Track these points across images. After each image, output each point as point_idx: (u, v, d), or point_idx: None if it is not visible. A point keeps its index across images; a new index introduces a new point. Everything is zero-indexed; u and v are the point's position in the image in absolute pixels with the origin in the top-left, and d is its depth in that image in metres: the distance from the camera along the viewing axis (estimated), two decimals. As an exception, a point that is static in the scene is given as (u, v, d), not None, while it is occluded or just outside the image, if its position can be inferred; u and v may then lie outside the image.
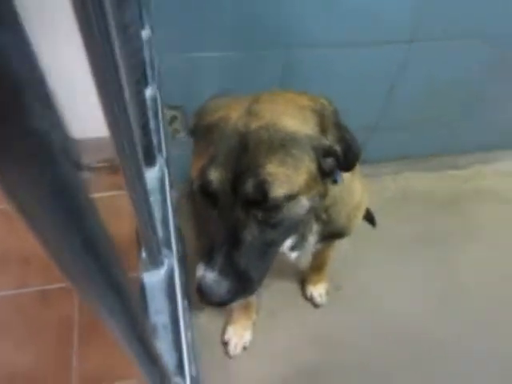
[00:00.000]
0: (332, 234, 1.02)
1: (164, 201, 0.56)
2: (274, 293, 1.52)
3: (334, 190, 0.86)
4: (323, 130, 0.72)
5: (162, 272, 0.51)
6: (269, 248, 0.74)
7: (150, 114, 0.61)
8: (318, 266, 1.47)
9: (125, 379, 1.23)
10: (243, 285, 0.70)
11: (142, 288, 0.50)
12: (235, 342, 1.39)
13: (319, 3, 1.20)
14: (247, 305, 1.40)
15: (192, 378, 0.46)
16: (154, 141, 0.59)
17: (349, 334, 1.46)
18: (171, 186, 0.58)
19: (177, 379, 0.45)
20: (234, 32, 1.23)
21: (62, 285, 1.35)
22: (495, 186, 1.92)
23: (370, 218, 1.71)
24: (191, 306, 1.39)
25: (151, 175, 0.58)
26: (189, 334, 0.57)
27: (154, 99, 0.64)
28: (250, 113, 0.69)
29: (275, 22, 1.22)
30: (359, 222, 1.12)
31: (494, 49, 1.48)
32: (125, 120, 0.42)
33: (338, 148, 0.73)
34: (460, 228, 1.78)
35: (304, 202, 0.73)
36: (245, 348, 1.40)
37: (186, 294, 0.83)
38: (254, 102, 0.71)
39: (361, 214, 1.10)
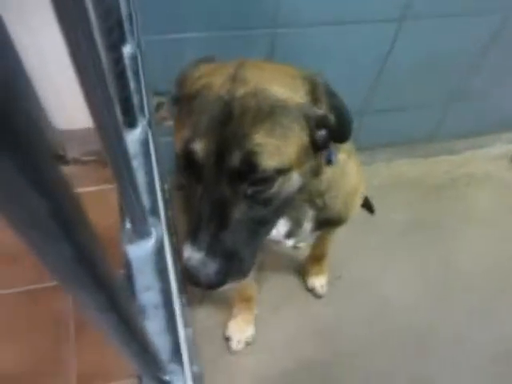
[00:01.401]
0: (328, 220, 0.94)
1: (149, 164, 0.47)
2: (274, 286, 1.44)
3: (328, 173, 0.79)
4: (315, 99, 0.64)
5: (149, 244, 0.42)
6: (259, 227, 0.65)
7: (129, 73, 0.52)
8: (317, 257, 1.39)
9: (124, 378, 1.12)
10: (233, 265, 0.62)
11: (127, 263, 0.41)
12: (238, 338, 1.29)
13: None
14: (248, 298, 1.31)
15: (192, 369, 0.36)
16: (135, 101, 0.50)
17: (350, 324, 1.38)
18: (156, 149, 0.49)
19: (172, 366, 0.36)
20: (220, 11, 1.14)
21: (54, 283, 1.24)
22: (488, 170, 1.86)
23: (368, 205, 1.63)
24: (189, 301, 1.29)
25: (133, 137, 0.49)
26: (188, 325, 0.48)
27: (134, 58, 0.55)
28: (235, 79, 0.61)
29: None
30: (357, 209, 1.04)
31: (486, 27, 1.41)
32: (99, 76, 0.33)
33: (331, 117, 0.65)
34: (455, 213, 1.71)
35: (295, 178, 0.65)
36: (247, 343, 1.30)
37: (183, 285, 0.74)
38: (239, 68, 0.63)
39: (358, 200, 1.02)
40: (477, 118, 1.79)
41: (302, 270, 1.47)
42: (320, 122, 0.65)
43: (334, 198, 0.87)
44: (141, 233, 0.42)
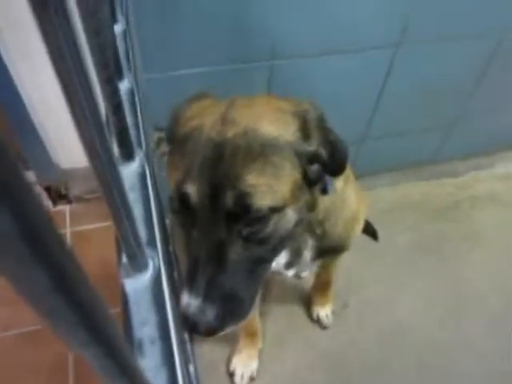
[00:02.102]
0: (329, 248, 0.93)
1: (146, 197, 0.47)
2: (279, 318, 1.41)
3: (326, 202, 0.78)
4: (306, 135, 0.64)
5: (146, 276, 0.42)
6: (257, 266, 0.65)
7: (127, 107, 0.53)
8: (322, 286, 1.37)
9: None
10: (233, 309, 0.61)
11: (124, 297, 0.40)
12: (241, 373, 1.26)
13: (303, 13, 1.15)
14: (252, 332, 1.29)
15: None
16: (132, 134, 0.51)
17: (359, 353, 1.35)
18: (154, 182, 0.49)
19: (169, 404, 0.35)
20: (217, 46, 1.17)
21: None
22: (492, 191, 1.85)
23: (371, 231, 1.61)
24: (192, 335, 1.27)
25: (130, 170, 0.49)
26: (189, 363, 0.47)
27: (132, 92, 0.56)
28: (225, 119, 0.61)
29: (259, 33, 1.17)
30: (357, 234, 1.03)
31: (483, 49, 1.44)
32: (91, 109, 0.34)
33: (323, 152, 0.65)
34: (460, 235, 1.70)
35: (291, 215, 0.64)
36: (252, 378, 1.27)
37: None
38: (229, 108, 0.63)
39: (359, 225, 1.01)
40: (478, 139, 1.80)
41: (306, 300, 1.45)
42: (312, 158, 0.64)
43: (333, 225, 0.86)
44: (137, 265, 0.41)
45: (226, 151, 0.58)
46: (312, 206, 0.72)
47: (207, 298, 0.58)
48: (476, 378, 1.30)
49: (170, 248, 1.23)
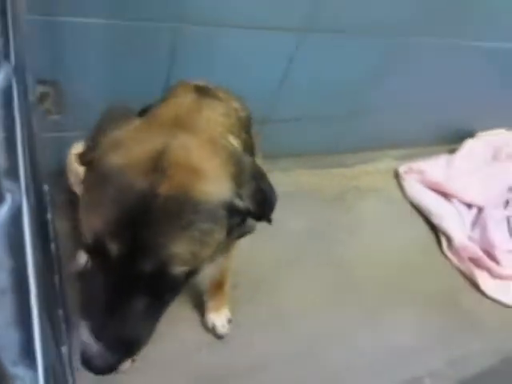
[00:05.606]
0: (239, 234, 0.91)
1: (9, 118, 0.36)
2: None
3: None
4: (239, 183, 0.62)
5: (0, 212, 0.32)
6: (161, 310, 0.66)
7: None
8: (217, 284, 1.27)
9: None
10: (130, 350, 0.64)
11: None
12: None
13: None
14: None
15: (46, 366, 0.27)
16: (-2, 44, 0.39)
17: (249, 334, 1.33)
18: (25, 100, 0.39)
19: (18, 370, 0.26)
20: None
21: None
22: (375, 184, 1.98)
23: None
24: (68, 316, 1.13)
25: (-10, 84, 0.38)
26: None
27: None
28: (158, 168, 0.55)
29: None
30: None
31: (381, 50, 1.51)
32: None
33: (251, 205, 0.63)
34: (346, 223, 1.79)
35: (203, 268, 0.65)
36: (133, 359, 1.17)
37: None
38: (163, 152, 0.57)
39: None
40: (368, 134, 1.91)
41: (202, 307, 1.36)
42: (241, 212, 0.63)
43: None
44: (-12, 198, 0.31)
45: (154, 213, 0.54)
46: (226, 248, 0.73)
47: (108, 345, 0.58)
48: (345, 367, 1.35)
49: (48, 216, 1.08)
